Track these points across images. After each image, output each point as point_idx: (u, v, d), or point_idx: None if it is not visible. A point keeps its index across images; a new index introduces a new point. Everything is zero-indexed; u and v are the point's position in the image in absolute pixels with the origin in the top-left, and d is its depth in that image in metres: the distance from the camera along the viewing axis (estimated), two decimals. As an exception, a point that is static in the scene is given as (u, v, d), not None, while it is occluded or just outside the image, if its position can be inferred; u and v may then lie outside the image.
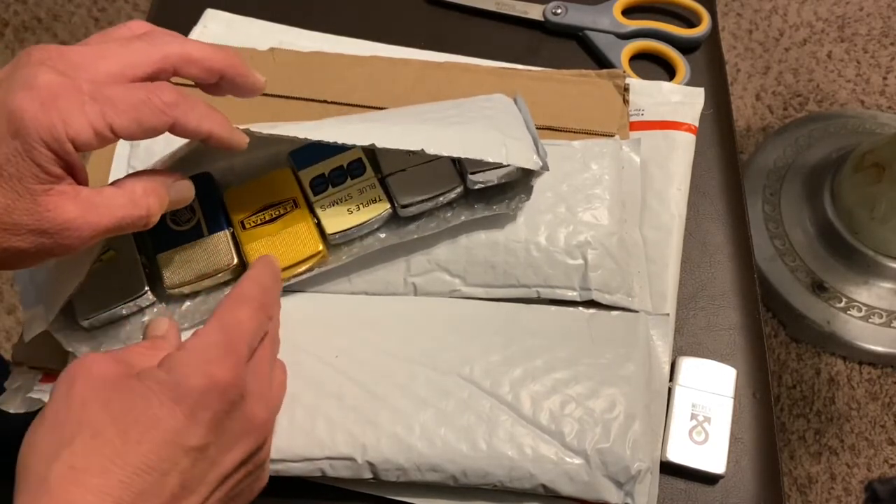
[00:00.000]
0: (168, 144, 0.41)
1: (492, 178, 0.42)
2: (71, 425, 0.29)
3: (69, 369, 0.31)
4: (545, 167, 0.42)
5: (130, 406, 0.30)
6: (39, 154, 0.30)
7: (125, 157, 0.49)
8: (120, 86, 0.32)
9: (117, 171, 0.49)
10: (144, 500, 0.29)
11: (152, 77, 0.34)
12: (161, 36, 0.35)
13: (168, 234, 0.42)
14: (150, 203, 0.34)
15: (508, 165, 0.42)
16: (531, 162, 0.41)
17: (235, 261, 0.41)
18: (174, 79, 0.35)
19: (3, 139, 0.30)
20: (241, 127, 0.37)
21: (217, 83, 0.36)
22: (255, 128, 0.38)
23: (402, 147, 0.39)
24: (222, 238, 0.42)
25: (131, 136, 0.32)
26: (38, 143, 0.30)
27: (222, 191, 0.44)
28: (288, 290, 0.43)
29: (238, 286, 0.36)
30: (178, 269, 0.41)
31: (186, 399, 0.30)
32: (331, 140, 0.39)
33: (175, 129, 0.33)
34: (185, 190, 0.37)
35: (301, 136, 0.38)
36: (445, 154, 0.40)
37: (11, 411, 0.42)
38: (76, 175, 0.32)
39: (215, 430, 0.31)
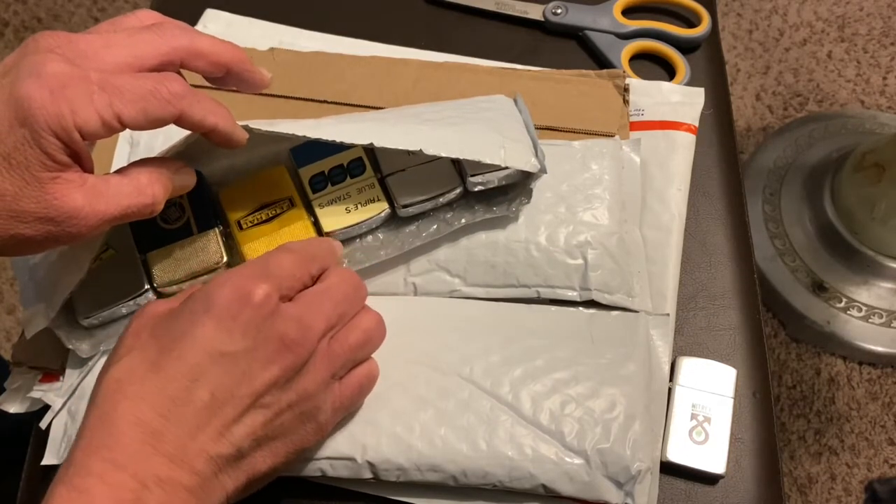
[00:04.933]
0: (168, 140, 0.41)
1: (492, 179, 0.42)
2: (123, 350, 0.33)
3: (135, 313, 0.35)
4: (543, 170, 0.42)
5: (171, 325, 0.32)
6: (47, 142, 0.30)
7: (125, 156, 0.49)
8: (128, 75, 0.32)
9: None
10: (177, 406, 0.31)
11: (159, 68, 0.34)
12: (170, 28, 0.35)
13: (157, 232, 0.42)
14: (155, 191, 0.35)
15: (508, 168, 0.42)
16: (529, 164, 0.41)
17: (225, 259, 0.41)
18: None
19: (12, 127, 0.30)
20: (241, 123, 0.37)
21: (223, 77, 0.37)
22: (255, 125, 0.38)
23: (400, 147, 0.39)
24: (212, 236, 0.42)
25: (138, 127, 0.32)
26: (46, 132, 0.30)
27: (216, 189, 0.44)
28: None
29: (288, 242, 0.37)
30: (168, 267, 0.41)
31: (214, 308, 0.32)
32: (329, 138, 0.39)
33: (181, 121, 0.34)
34: (187, 177, 0.38)
35: (300, 133, 0.38)
36: (444, 154, 0.40)
37: (11, 411, 0.42)
38: (83, 164, 0.32)
39: (244, 340, 0.32)
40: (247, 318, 0.32)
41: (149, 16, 0.36)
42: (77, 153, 0.32)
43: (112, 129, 0.32)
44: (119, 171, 0.35)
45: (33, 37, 0.33)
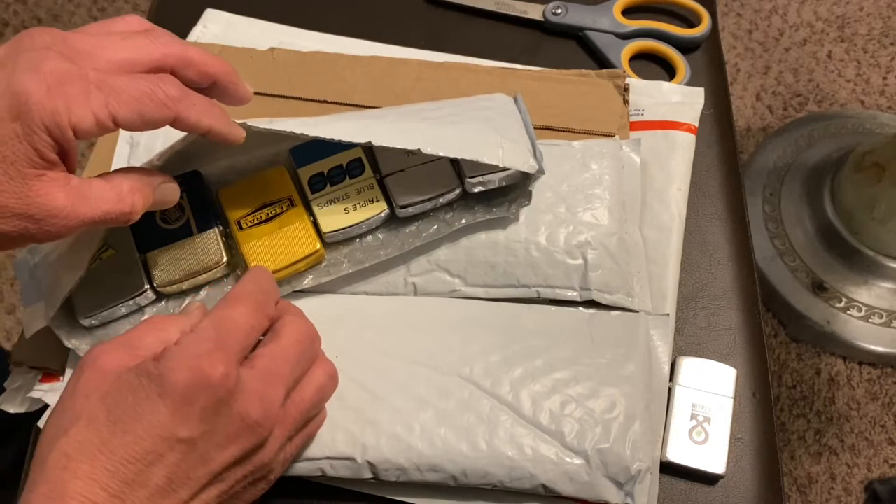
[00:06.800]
0: (168, 141, 0.41)
1: (491, 180, 0.42)
2: (72, 415, 0.30)
3: (80, 361, 0.32)
4: (541, 171, 0.42)
5: (122, 399, 0.30)
6: (39, 139, 0.30)
7: (125, 157, 0.49)
8: (125, 76, 0.32)
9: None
10: (131, 489, 0.29)
11: (151, 73, 0.34)
12: (162, 35, 0.35)
13: (157, 232, 0.42)
14: (135, 200, 0.35)
15: (507, 169, 0.42)
16: (527, 165, 0.41)
17: (225, 258, 0.41)
18: None
19: (3, 121, 0.30)
20: (239, 122, 0.38)
21: (208, 88, 0.37)
22: (253, 122, 0.38)
23: (398, 146, 0.39)
24: (211, 236, 0.42)
25: (133, 128, 0.32)
26: (40, 128, 0.30)
27: (215, 189, 0.44)
28: (289, 292, 0.43)
29: (236, 285, 0.36)
30: (168, 267, 0.41)
31: (171, 393, 0.30)
32: (327, 136, 0.39)
33: (176, 123, 0.34)
34: (169, 192, 0.38)
35: (297, 131, 0.38)
36: (442, 154, 0.40)
37: (11, 411, 0.42)
38: (69, 163, 0.32)
39: (202, 426, 0.31)
40: (204, 403, 0.31)
41: (137, 21, 0.36)
42: (65, 152, 0.32)
43: (106, 128, 0.32)
44: (102, 176, 0.35)
45: (27, 32, 0.32)
